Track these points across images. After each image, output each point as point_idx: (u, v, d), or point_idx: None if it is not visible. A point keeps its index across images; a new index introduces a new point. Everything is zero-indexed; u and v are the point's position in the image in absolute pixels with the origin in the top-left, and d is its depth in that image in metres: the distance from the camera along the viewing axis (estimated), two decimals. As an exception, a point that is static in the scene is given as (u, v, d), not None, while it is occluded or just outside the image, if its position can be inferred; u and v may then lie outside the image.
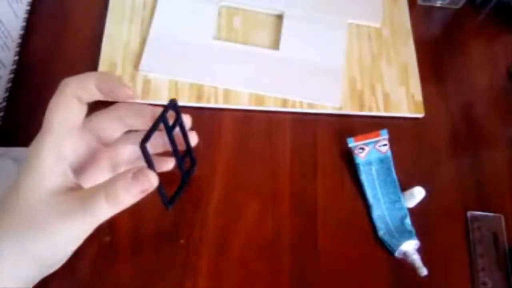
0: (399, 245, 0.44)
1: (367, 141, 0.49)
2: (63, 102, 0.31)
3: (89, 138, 0.36)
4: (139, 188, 0.30)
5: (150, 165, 0.32)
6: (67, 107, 0.31)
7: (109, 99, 0.34)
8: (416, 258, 0.44)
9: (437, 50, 0.59)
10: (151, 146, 0.33)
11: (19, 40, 0.51)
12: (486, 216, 0.48)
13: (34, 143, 0.31)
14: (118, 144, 0.38)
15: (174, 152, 0.38)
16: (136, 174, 0.30)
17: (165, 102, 0.50)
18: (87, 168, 0.35)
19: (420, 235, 0.45)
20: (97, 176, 0.36)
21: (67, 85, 0.31)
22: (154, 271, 0.42)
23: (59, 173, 0.30)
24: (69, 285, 0.40)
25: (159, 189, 0.33)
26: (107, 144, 0.38)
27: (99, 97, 0.33)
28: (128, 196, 0.29)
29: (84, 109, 0.33)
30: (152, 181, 0.31)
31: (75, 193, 0.30)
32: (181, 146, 0.40)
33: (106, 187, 0.29)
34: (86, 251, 0.41)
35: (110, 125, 0.37)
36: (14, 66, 0.49)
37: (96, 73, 0.33)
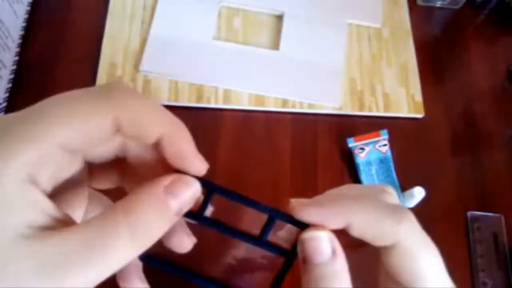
0: (399, 245, 0.44)
1: (367, 141, 0.49)
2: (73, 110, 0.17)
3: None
4: (177, 204, 0.19)
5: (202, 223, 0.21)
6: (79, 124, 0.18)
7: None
8: (416, 258, 0.44)
9: (437, 50, 0.59)
10: None
11: (19, 40, 0.51)
12: (486, 216, 0.48)
13: None
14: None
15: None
16: (173, 184, 0.19)
17: (166, 102, 0.50)
18: (71, 194, 0.21)
19: (420, 235, 0.45)
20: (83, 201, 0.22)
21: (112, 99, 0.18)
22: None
23: (27, 203, 0.16)
24: None
25: None
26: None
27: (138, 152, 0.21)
28: (161, 223, 0.18)
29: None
30: (195, 191, 0.20)
31: (65, 232, 0.16)
32: None
33: (127, 218, 0.17)
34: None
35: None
36: (15, 66, 0.49)
37: (164, 114, 0.20)
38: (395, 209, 0.21)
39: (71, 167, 0.19)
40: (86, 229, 0.17)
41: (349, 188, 0.24)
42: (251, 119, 0.51)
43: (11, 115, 0.17)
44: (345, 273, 0.20)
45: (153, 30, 0.52)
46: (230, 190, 0.22)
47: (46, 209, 0.17)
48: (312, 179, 0.48)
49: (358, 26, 0.58)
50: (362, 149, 0.49)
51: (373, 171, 0.49)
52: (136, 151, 0.21)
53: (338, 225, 0.21)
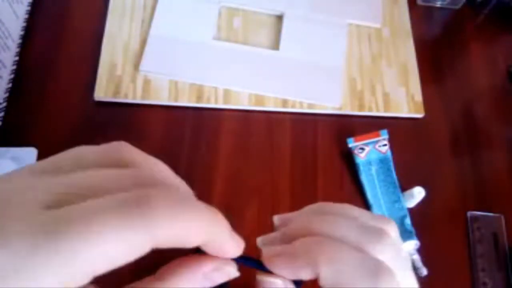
0: (399, 245, 0.44)
1: (367, 141, 0.49)
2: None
3: None
4: (209, 284, 0.19)
5: None
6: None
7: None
8: (416, 258, 0.44)
9: (437, 50, 0.59)
10: None
11: (20, 41, 0.51)
12: (486, 216, 0.48)
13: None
14: None
15: None
16: (213, 272, 0.19)
17: (166, 103, 0.50)
18: None
19: (420, 235, 0.45)
20: None
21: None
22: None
23: None
24: None
25: None
26: None
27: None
28: None
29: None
30: (232, 275, 0.20)
31: None
32: None
33: None
34: None
35: None
36: (15, 66, 0.49)
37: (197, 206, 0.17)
38: (376, 266, 0.19)
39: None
40: None
41: (335, 218, 0.23)
42: (251, 119, 0.51)
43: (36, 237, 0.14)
44: None
45: (153, 30, 0.52)
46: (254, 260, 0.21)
47: None
48: (312, 179, 0.48)
49: (358, 26, 0.58)
50: (362, 149, 0.49)
51: (373, 171, 0.49)
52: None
53: (308, 277, 0.20)
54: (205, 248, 0.18)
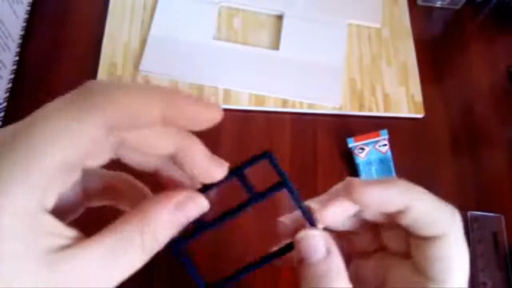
0: (399, 245, 0.44)
1: (367, 141, 0.49)
2: (77, 129, 0.17)
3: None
4: (186, 219, 0.20)
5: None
6: (80, 138, 0.17)
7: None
8: (416, 258, 0.44)
9: (437, 50, 0.59)
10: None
11: (20, 41, 0.51)
12: (486, 216, 0.48)
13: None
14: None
15: None
16: (184, 203, 0.20)
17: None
18: (67, 203, 0.21)
19: (420, 235, 0.45)
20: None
21: (104, 104, 0.17)
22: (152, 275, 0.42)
23: (48, 233, 0.17)
24: None
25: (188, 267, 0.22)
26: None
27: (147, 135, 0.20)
28: (169, 233, 0.20)
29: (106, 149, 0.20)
30: (203, 206, 0.21)
31: (84, 249, 0.17)
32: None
33: (141, 228, 0.19)
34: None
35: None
36: (15, 67, 0.49)
37: (167, 91, 0.19)
38: (445, 203, 0.22)
39: (69, 181, 0.19)
40: (103, 242, 0.18)
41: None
42: (251, 119, 0.51)
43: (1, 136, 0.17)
44: (342, 271, 0.20)
45: (153, 30, 0.52)
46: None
47: (60, 232, 0.17)
48: (312, 179, 0.48)
49: (358, 26, 0.58)
50: (362, 149, 0.49)
51: (373, 171, 0.49)
52: (134, 158, 0.21)
53: (397, 207, 0.21)
54: (178, 162, 0.20)
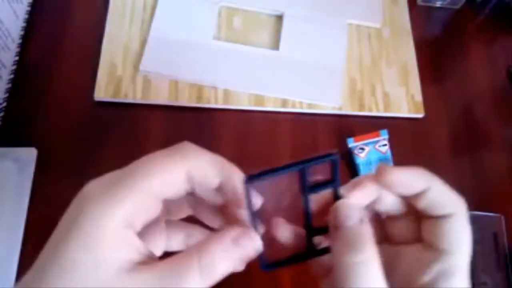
0: (399, 245, 0.44)
1: (367, 141, 0.49)
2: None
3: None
4: (241, 254, 0.23)
5: (253, 218, 0.23)
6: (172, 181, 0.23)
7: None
8: (416, 258, 0.44)
9: (437, 50, 0.59)
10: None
11: (19, 40, 0.51)
12: (486, 216, 0.48)
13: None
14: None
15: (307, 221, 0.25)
16: (239, 237, 0.22)
17: (166, 102, 0.50)
18: (153, 229, 0.26)
19: (420, 235, 0.45)
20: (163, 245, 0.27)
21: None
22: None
23: (127, 244, 0.21)
24: None
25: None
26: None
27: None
28: (226, 265, 0.22)
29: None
30: (257, 246, 0.23)
31: (153, 267, 0.21)
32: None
33: (199, 254, 0.21)
34: None
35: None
36: (15, 67, 0.49)
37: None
38: (460, 197, 0.27)
39: (157, 210, 0.23)
40: (167, 265, 0.21)
41: None
42: (251, 119, 0.51)
43: (117, 172, 0.22)
44: (372, 238, 0.22)
45: (153, 30, 0.52)
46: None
47: (139, 249, 0.22)
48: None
49: (358, 26, 0.58)
50: (362, 149, 0.49)
51: (373, 171, 0.49)
52: (202, 193, 0.25)
53: (419, 188, 0.25)
54: (223, 189, 0.24)
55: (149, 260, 0.22)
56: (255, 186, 0.23)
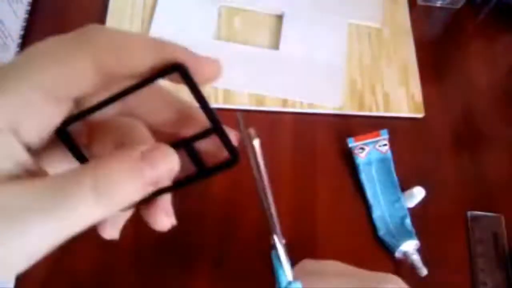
0: (399, 245, 0.44)
1: (367, 141, 0.49)
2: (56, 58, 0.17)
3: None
4: (152, 174, 0.17)
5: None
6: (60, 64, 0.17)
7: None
8: (416, 258, 0.44)
9: (437, 50, 0.59)
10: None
11: (19, 40, 0.51)
12: (486, 216, 0.48)
13: None
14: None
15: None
16: (150, 152, 0.17)
17: (165, 102, 0.50)
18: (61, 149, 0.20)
19: (420, 235, 0.45)
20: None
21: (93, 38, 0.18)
22: (155, 272, 0.42)
23: (4, 155, 0.17)
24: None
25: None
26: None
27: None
28: (131, 188, 0.17)
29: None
30: (173, 164, 0.18)
31: (39, 182, 0.16)
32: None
33: (95, 171, 0.16)
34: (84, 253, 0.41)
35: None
36: (14, 66, 0.49)
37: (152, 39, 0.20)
38: None
39: (59, 118, 0.18)
40: (50, 180, 0.16)
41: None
42: (251, 119, 0.51)
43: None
44: None
45: (153, 30, 0.52)
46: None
47: (19, 160, 0.16)
48: (312, 179, 0.48)
49: (358, 26, 0.58)
50: (362, 149, 0.49)
51: (373, 171, 0.49)
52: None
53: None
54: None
55: (29, 176, 0.17)
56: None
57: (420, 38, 0.58)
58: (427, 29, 0.60)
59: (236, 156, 0.21)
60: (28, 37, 0.51)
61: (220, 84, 0.51)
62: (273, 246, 0.22)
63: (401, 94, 0.54)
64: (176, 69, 0.19)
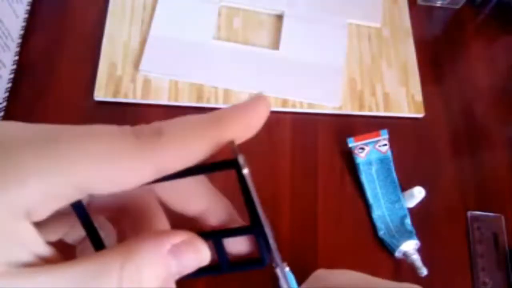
0: (399, 245, 0.44)
1: (367, 141, 0.49)
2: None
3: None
4: (180, 269, 0.17)
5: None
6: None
7: None
8: (416, 258, 0.44)
9: (437, 50, 0.59)
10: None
11: (19, 40, 0.51)
12: (486, 216, 0.48)
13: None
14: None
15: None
16: (182, 247, 0.17)
17: (166, 102, 0.50)
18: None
19: (420, 235, 0.45)
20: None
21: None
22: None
23: (17, 242, 0.15)
24: None
25: None
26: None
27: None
28: (154, 280, 0.16)
29: None
30: (203, 259, 0.17)
31: (71, 270, 0.15)
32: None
33: (124, 259, 0.15)
34: None
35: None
36: (14, 66, 0.49)
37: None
38: None
39: (75, 197, 0.16)
40: (71, 270, 0.15)
41: None
42: (251, 119, 0.51)
43: (27, 127, 0.15)
44: None
45: (153, 30, 0.52)
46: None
47: (32, 246, 0.15)
48: (312, 179, 0.48)
49: (358, 26, 0.58)
50: (362, 149, 0.49)
51: (373, 171, 0.49)
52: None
53: None
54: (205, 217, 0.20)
55: (43, 263, 0.15)
56: None
57: (420, 38, 0.58)
58: (427, 29, 0.60)
59: (265, 261, 0.19)
60: (28, 37, 0.51)
61: (220, 84, 0.51)
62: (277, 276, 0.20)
63: (401, 94, 0.54)
64: (233, 166, 0.19)
